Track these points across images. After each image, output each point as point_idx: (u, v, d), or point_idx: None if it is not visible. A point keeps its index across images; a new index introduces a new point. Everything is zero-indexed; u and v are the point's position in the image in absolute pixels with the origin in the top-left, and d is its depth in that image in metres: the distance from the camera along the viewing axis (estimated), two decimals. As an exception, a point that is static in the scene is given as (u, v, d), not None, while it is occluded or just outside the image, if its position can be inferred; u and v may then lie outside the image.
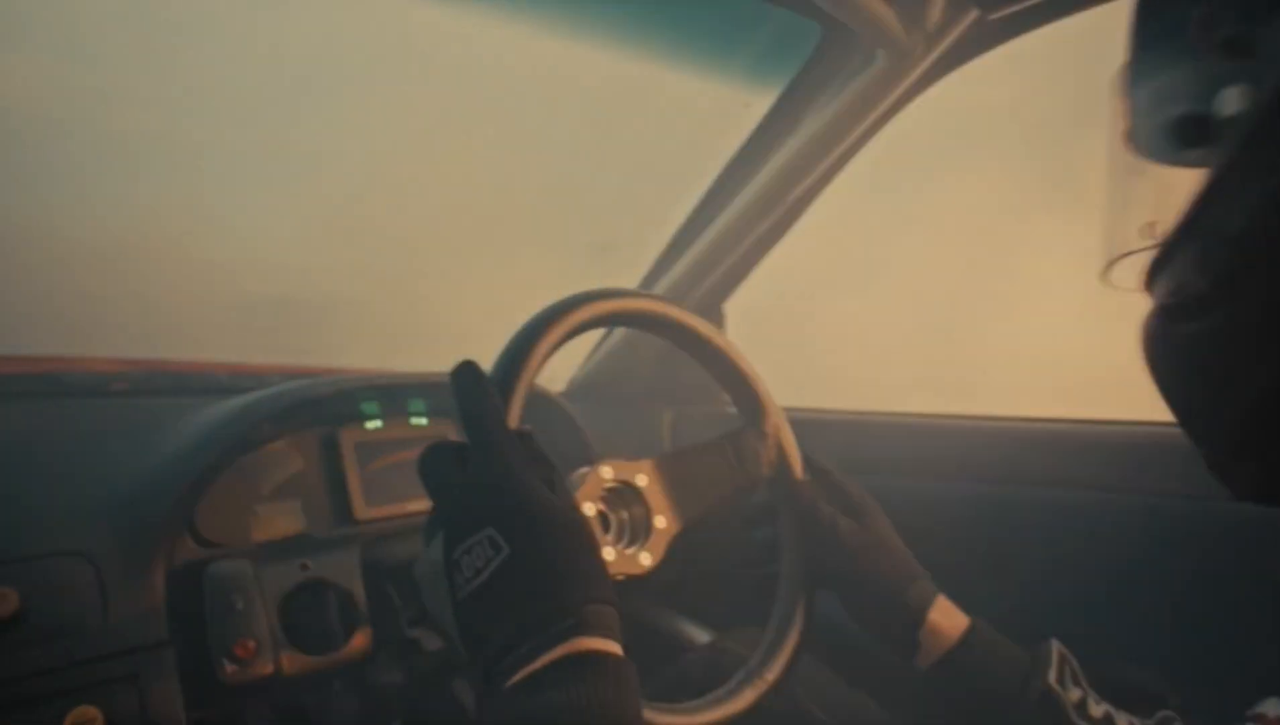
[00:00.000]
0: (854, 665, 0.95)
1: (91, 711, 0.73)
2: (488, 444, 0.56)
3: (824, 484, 0.80)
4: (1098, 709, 0.67)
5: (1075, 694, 0.67)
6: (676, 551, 0.72)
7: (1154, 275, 0.41)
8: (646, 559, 0.71)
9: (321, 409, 0.99)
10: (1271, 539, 0.80)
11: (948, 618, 0.73)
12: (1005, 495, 1.02)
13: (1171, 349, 0.41)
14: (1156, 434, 0.92)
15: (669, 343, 0.79)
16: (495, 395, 0.59)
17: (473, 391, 0.58)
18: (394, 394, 1.04)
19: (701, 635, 1.14)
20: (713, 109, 1.15)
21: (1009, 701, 0.68)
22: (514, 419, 0.62)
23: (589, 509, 0.70)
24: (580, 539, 0.53)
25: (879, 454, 1.13)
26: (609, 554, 0.69)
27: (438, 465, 0.57)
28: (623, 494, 0.73)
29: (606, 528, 0.71)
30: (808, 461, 0.82)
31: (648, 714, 0.65)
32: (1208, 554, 0.84)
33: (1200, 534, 0.85)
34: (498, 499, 0.53)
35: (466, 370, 0.60)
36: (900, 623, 0.73)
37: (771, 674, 0.74)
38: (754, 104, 1.05)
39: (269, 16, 1.18)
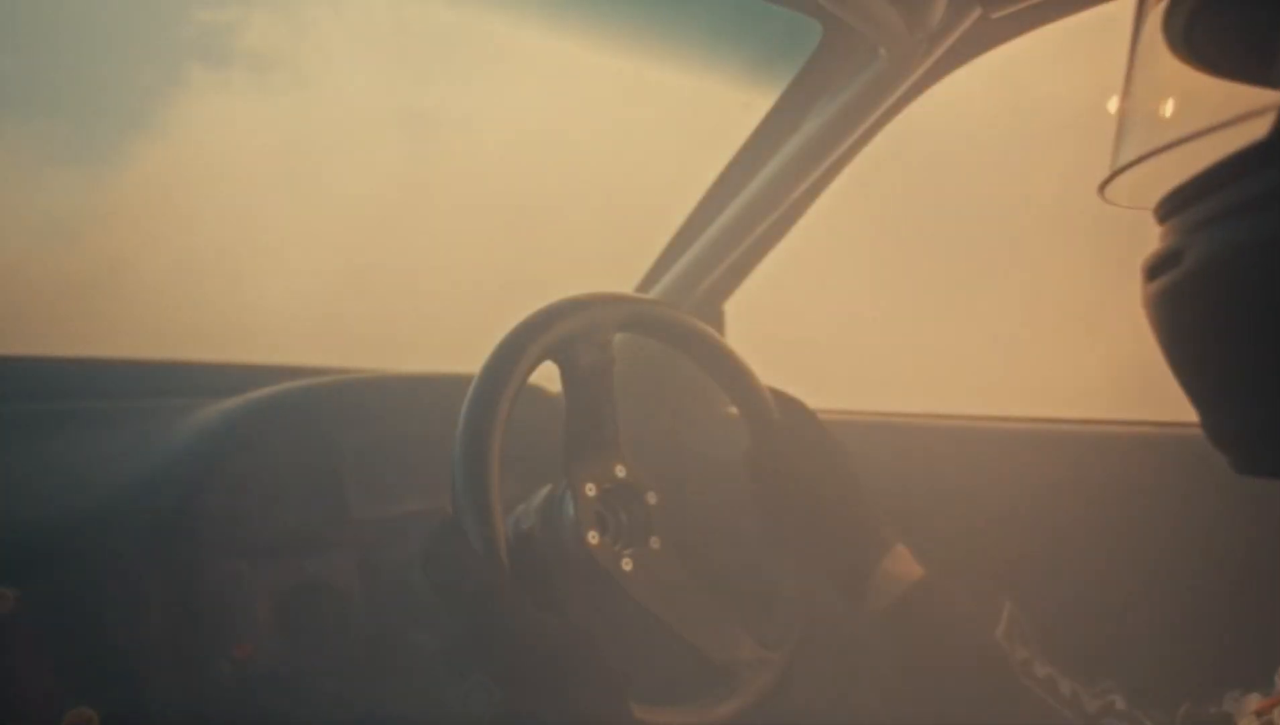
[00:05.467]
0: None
1: (89, 712, 0.73)
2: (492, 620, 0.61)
3: (794, 418, 0.79)
4: (1042, 670, 0.66)
5: (1022, 653, 0.67)
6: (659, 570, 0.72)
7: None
8: (627, 564, 0.70)
9: (321, 408, 0.98)
10: (1236, 529, 0.79)
11: (902, 567, 0.71)
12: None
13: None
14: (1143, 432, 0.92)
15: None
16: (476, 555, 0.62)
17: (451, 560, 0.62)
18: (393, 393, 1.04)
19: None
20: (713, 108, 1.14)
21: (953, 652, 0.68)
22: (502, 552, 0.63)
23: (590, 490, 0.70)
24: (575, 676, 0.59)
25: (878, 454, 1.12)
26: (593, 538, 0.69)
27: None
28: (627, 499, 0.72)
29: (603, 527, 0.71)
30: (779, 395, 0.80)
31: (643, 713, 0.65)
32: (1181, 543, 0.83)
33: (1177, 521, 0.84)
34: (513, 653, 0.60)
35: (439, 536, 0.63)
36: (852, 568, 0.72)
37: (768, 675, 0.73)
38: (754, 103, 1.05)
39: (270, 17, 1.18)
